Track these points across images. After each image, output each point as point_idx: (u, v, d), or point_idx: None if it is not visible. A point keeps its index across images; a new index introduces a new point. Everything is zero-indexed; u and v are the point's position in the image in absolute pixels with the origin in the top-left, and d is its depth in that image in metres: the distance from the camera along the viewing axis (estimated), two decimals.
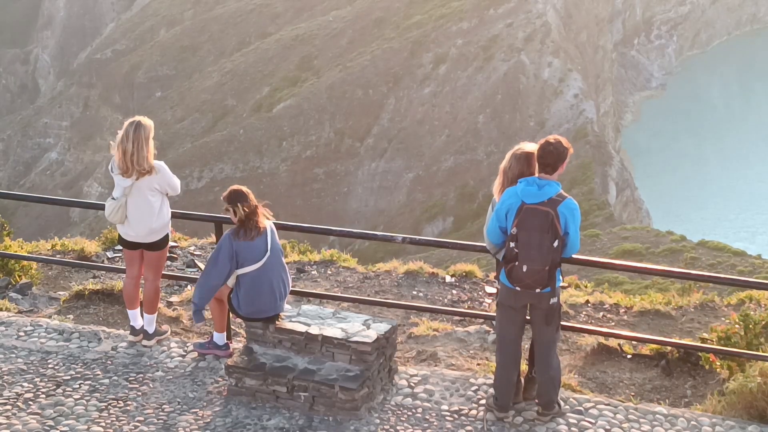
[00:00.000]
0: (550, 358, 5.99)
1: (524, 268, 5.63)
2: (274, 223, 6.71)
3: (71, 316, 7.97)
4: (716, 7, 61.17)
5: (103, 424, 6.01)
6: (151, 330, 7.19)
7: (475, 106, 41.93)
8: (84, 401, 6.30)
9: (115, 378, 6.65)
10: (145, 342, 7.16)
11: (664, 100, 60.15)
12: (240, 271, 6.46)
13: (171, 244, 8.64)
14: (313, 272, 9.63)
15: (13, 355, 6.94)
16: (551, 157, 5.70)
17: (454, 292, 9.08)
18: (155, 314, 7.24)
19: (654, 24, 57.16)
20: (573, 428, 6.05)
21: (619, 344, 7.40)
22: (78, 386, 6.50)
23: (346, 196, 55.68)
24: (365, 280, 9.39)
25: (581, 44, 42.05)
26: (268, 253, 6.44)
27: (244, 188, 6.48)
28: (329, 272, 9.64)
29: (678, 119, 57.23)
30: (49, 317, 7.87)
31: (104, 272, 9.34)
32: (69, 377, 6.64)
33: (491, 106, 40.45)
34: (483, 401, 6.34)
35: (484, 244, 6.36)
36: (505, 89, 38.54)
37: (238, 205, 6.34)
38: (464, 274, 9.49)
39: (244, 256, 6.40)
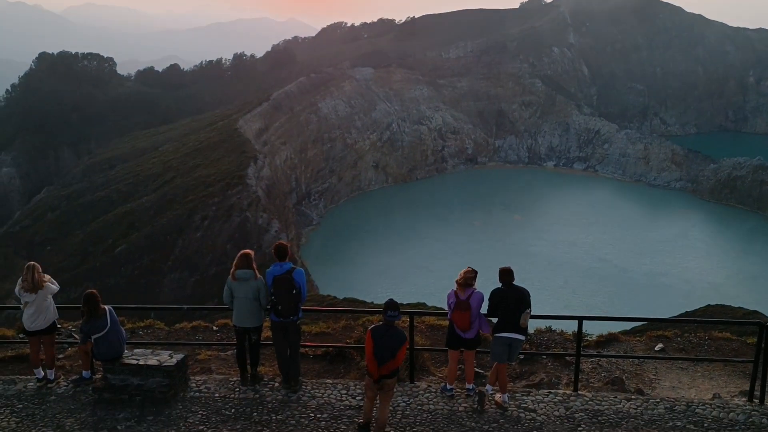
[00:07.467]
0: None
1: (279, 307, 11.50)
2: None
3: None
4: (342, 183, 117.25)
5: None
6: (51, 376, 12.38)
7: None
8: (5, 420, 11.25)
9: (27, 403, 11.69)
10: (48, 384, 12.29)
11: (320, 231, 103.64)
12: (94, 336, 11.73)
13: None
14: (140, 333, 15.52)
15: None
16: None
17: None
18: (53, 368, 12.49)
19: (311, 193, 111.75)
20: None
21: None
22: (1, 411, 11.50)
23: None
24: (170, 333, 15.64)
25: (278, 205, 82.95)
26: (108, 325, 11.74)
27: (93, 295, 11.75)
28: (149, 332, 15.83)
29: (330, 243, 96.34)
30: None
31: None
32: None
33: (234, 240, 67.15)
34: (237, 388, 11.95)
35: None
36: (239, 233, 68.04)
37: (87, 308, 11.66)
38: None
39: (94, 330, 11.65)
